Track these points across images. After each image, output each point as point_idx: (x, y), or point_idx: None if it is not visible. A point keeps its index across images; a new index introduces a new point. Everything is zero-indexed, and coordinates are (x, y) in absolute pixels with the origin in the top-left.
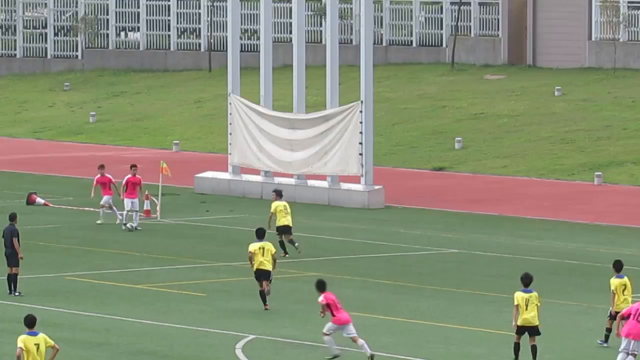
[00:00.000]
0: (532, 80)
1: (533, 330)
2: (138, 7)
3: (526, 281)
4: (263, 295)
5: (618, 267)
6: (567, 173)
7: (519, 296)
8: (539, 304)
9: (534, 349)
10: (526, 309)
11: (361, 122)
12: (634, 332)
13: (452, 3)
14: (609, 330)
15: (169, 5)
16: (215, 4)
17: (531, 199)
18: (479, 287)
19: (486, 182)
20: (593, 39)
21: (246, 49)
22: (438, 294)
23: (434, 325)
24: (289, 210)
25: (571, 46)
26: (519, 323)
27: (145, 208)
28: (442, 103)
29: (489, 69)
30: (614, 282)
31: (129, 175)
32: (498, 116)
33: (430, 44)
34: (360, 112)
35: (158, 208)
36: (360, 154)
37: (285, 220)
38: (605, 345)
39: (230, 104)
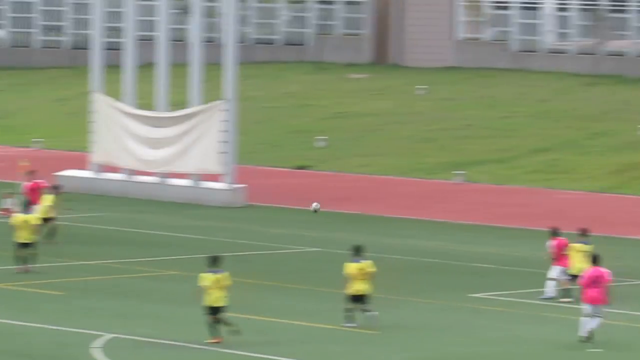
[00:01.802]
0: (396, 79)
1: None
2: (3, 5)
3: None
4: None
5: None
6: (429, 172)
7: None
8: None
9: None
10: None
11: (224, 121)
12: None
13: (317, 2)
14: None
15: (33, 3)
16: (79, 1)
17: (393, 198)
18: (340, 286)
19: (349, 181)
20: (457, 38)
21: (111, 47)
22: (299, 292)
23: (294, 324)
24: None
25: (435, 45)
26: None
27: (4, 206)
28: (306, 102)
29: (354, 68)
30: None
31: None
32: (361, 115)
33: (295, 42)
34: (224, 110)
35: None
36: (223, 153)
37: None
38: None
39: (93, 102)
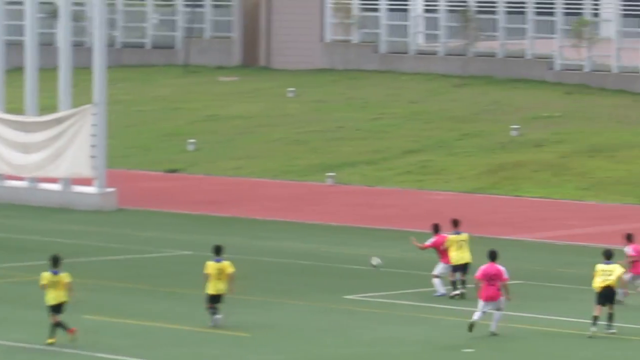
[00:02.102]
0: (266, 82)
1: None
2: None
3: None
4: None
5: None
6: (301, 174)
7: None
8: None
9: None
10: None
11: (94, 125)
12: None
13: (185, 5)
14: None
15: None
16: None
17: (265, 200)
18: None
19: (220, 184)
20: (326, 40)
21: None
22: (171, 296)
23: (167, 327)
24: None
25: (304, 48)
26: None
27: None
28: (176, 105)
29: (223, 71)
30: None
31: None
32: (232, 118)
33: (164, 46)
34: (93, 114)
35: None
36: (93, 157)
37: None
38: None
39: None
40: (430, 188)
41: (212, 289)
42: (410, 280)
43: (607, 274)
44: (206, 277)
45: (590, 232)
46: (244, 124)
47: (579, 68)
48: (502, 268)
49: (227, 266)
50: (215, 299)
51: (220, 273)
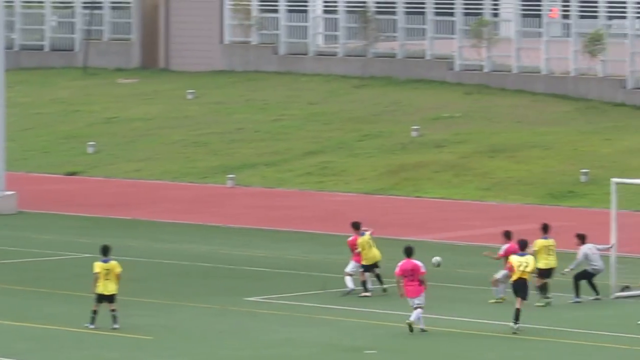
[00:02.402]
0: (165, 84)
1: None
2: None
3: None
4: None
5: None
6: (201, 176)
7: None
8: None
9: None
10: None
11: None
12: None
13: (84, 7)
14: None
15: None
16: None
17: (165, 203)
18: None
19: (120, 186)
20: (225, 42)
21: None
22: (72, 299)
23: (68, 330)
24: None
25: (204, 49)
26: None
27: None
28: (75, 107)
29: (122, 73)
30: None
31: None
32: (131, 120)
33: (62, 48)
34: None
35: None
36: None
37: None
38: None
39: None
40: (331, 189)
41: (101, 288)
42: (312, 281)
43: (524, 265)
44: (95, 278)
45: (491, 233)
46: (143, 126)
47: (479, 68)
48: (419, 263)
49: (115, 266)
50: (104, 299)
51: (108, 273)
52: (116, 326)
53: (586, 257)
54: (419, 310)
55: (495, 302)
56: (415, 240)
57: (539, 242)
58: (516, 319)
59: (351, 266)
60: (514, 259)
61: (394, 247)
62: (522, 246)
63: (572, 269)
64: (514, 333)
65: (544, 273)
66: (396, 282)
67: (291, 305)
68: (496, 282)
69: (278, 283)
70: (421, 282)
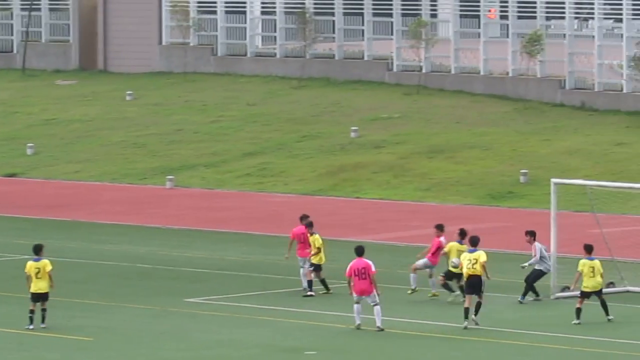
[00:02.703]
0: (104, 85)
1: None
2: None
3: None
4: None
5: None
6: (140, 177)
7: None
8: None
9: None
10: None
11: None
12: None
13: (22, 9)
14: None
15: None
16: None
17: (104, 204)
18: (53, 293)
19: (59, 188)
20: (164, 43)
21: None
22: (10, 300)
23: (6, 332)
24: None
25: (142, 51)
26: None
27: None
28: (14, 109)
29: (61, 74)
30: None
31: None
32: (70, 121)
33: (1, 49)
34: None
35: None
36: None
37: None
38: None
39: None
40: (270, 190)
41: (33, 287)
42: (252, 282)
43: (472, 262)
44: (27, 277)
45: (431, 233)
46: (82, 128)
47: (418, 69)
48: (369, 262)
49: (46, 264)
50: (38, 298)
51: (40, 272)
52: (43, 325)
53: (541, 255)
54: (377, 308)
55: (432, 296)
56: (355, 241)
57: (453, 246)
58: (476, 312)
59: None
60: (465, 256)
61: (334, 248)
62: (473, 243)
63: (530, 265)
64: (476, 324)
65: (454, 275)
66: (347, 282)
67: (231, 306)
68: (415, 270)
69: (218, 284)
70: (372, 281)
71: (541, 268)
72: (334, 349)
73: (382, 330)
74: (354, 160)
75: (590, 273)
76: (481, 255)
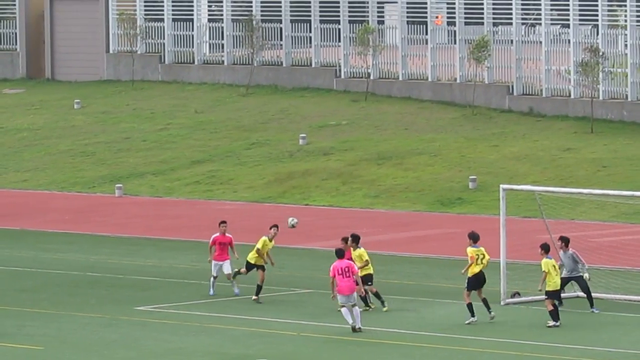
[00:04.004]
0: (51, 94)
1: None
2: None
3: None
4: None
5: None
6: (88, 185)
7: None
8: None
9: None
10: None
11: None
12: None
13: None
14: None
15: None
16: None
17: (53, 213)
18: (3, 302)
19: (7, 197)
20: (111, 51)
21: None
22: None
23: None
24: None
25: (89, 59)
26: None
27: None
28: None
29: (8, 83)
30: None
31: None
32: (18, 130)
33: None
34: None
35: None
36: None
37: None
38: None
39: None
40: (219, 198)
41: None
42: (201, 290)
43: (480, 257)
44: None
45: (380, 240)
46: (30, 136)
47: (365, 76)
48: (351, 262)
49: None
50: None
51: None
52: None
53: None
54: (356, 308)
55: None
56: (304, 248)
57: (353, 253)
58: (488, 307)
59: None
60: (470, 250)
61: (282, 255)
62: (475, 239)
63: (581, 271)
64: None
65: (365, 279)
66: (330, 281)
67: (181, 314)
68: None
69: (168, 292)
70: (355, 281)
71: (575, 274)
72: (284, 356)
73: (361, 330)
74: (302, 167)
75: (554, 272)
76: (486, 252)
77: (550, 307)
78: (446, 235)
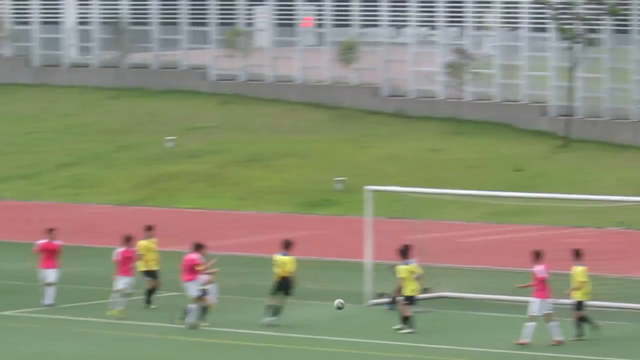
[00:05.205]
0: None
1: None
2: None
3: None
4: None
5: None
6: None
7: None
8: None
9: None
10: None
11: None
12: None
13: None
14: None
15: None
16: None
17: None
18: None
19: None
20: None
21: None
22: None
23: None
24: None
25: None
26: None
27: None
28: None
29: None
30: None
31: None
32: None
33: None
34: None
35: None
36: None
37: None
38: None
39: None
40: (87, 201)
41: None
42: (67, 295)
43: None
44: None
45: (247, 242)
46: None
47: (234, 78)
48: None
49: None
50: None
51: None
52: None
53: None
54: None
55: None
56: (171, 251)
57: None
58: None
59: (122, 282)
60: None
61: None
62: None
63: None
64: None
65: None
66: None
67: (46, 319)
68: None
69: (33, 296)
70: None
71: None
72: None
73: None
74: (170, 170)
75: (411, 277)
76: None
77: (407, 314)
78: (313, 236)
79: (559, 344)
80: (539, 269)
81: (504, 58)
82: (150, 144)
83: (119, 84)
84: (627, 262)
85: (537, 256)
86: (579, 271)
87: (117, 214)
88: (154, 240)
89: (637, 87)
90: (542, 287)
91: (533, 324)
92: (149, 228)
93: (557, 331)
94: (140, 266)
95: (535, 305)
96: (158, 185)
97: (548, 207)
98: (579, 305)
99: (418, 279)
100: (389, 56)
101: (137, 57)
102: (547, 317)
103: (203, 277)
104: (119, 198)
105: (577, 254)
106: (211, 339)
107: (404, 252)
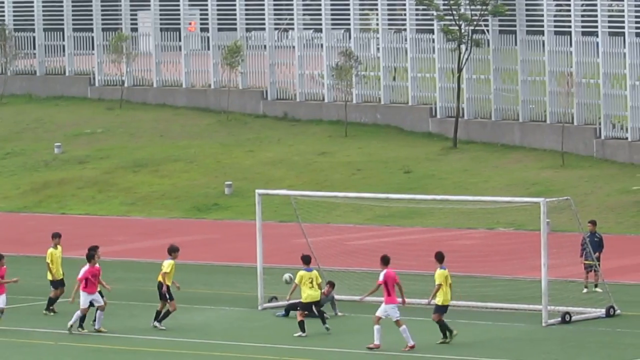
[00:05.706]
0: None
1: None
2: None
3: None
4: None
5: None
6: None
7: None
8: None
9: None
10: None
11: None
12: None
13: None
14: None
15: None
16: None
17: None
18: None
19: None
20: None
21: None
22: None
23: None
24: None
25: None
26: None
27: None
28: None
29: None
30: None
31: None
32: None
33: None
34: None
35: None
36: None
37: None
38: None
39: None
40: None
41: None
42: None
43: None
44: None
45: (137, 248)
46: None
47: (120, 83)
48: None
49: None
50: None
51: None
52: None
53: None
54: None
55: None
56: (67, 258)
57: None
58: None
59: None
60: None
61: (37, 265)
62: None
63: None
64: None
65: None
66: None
67: None
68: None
69: None
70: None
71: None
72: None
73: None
74: (58, 176)
75: (309, 284)
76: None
77: (300, 318)
78: (203, 241)
79: (412, 348)
80: (382, 273)
81: (390, 60)
82: (38, 150)
83: (4, 91)
84: (519, 263)
85: (384, 261)
86: (438, 274)
87: (5, 221)
88: (60, 248)
89: (524, 88)
90: (385, 291)
91: (378, 326)
92: (56, 236)
93: (407, 336)
94: (48, 276)
95: (379, 309)
96: (46, 191)
97: (438, 209)
98: (438, 309)
99: (318, 285)
100: (274, 59)
101: (22, 64)
102: (397, 322)
103: None
104: (6, 205)
105: (440, 258)
106: (105, 345)
107: (307, 260)
